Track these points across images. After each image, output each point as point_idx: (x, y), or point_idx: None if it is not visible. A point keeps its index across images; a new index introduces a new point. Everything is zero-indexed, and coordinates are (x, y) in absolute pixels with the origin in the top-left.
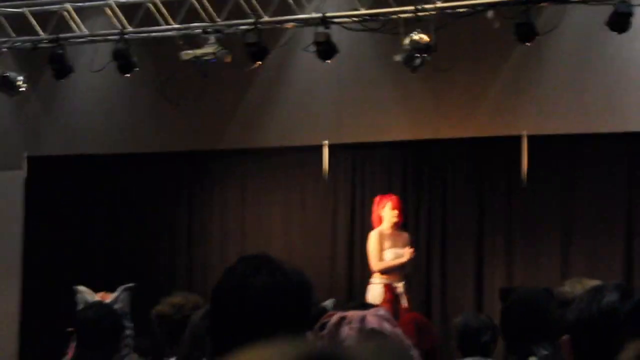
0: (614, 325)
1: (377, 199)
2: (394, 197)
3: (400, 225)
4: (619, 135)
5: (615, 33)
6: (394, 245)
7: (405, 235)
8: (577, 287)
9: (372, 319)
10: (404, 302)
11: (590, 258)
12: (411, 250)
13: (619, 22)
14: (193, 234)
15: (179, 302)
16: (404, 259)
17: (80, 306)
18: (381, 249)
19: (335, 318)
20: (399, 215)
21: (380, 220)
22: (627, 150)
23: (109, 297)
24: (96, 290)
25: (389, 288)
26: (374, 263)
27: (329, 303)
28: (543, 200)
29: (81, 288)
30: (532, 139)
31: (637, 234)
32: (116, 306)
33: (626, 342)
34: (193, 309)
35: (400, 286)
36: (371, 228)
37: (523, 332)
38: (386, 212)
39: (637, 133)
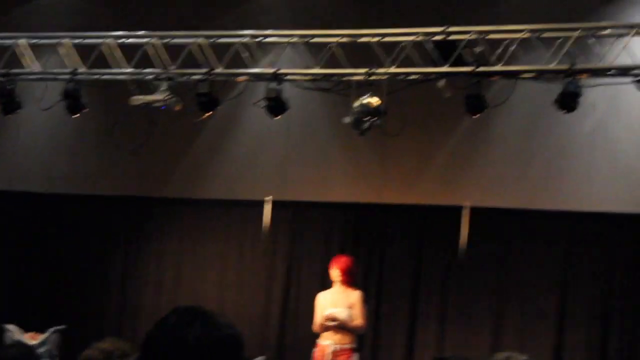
0: None
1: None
2: (339, 258)
3: (351, 285)
4: (558, 213)
5: (562, 112)
6: (335, 305)
7: (353, 294)
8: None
9: None
10: None
11: (522, 334)
12: (328, 314)
13: (567, 102)
14: (127, 279)
15: (107, 347)
16: (321, 320)
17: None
18: (323, 309)
19: None
20: (341, 275)
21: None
22: (564, 229)
23: (38, 338)
24: (28, 329)
25: (320, 347)
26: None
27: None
28: (479, 273)
29: (11, 327)
30: (473, 210)
31: (569, 311)
32: (45, 347)
33: None
34: (122, 356)
35: (335, 346)
36: (307, 286)
37: None
38: (331, 272)
39: (575, 213)
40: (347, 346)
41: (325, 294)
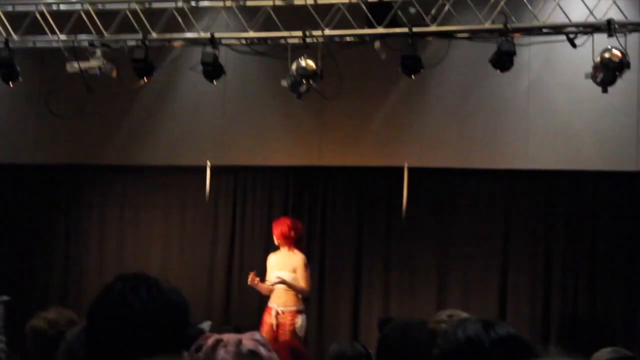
0: (480, 355)
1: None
2: (277, 221)
3: (294, 246)
4: (497, 172)
5: (498, 71)
6: (280, 268)
7: (296, 258)
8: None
9: (248, 343)
10: (284, 329)
11: (466, 291)
12: (276, 278)
13: (502, 61)
14: (70, 248)
15: (53, 317)
16: (268, 284)
17: None
18: (269, 271)
19: (211, 340)
20: (279, 239)
21: None
22: (503, 187)
23: None
24: None
25: (268, 310)
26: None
27: (205, 325)
28: (421, 233)
29: None
30: (412, 170)
31: (510, 271)
32: None
33: None
34: (68, 325)
35: (279, 308)
36: (250, 250)
37: None
38: (274, 236)
39: (514, 170)
40: (292, 308)
41: (273, 256)
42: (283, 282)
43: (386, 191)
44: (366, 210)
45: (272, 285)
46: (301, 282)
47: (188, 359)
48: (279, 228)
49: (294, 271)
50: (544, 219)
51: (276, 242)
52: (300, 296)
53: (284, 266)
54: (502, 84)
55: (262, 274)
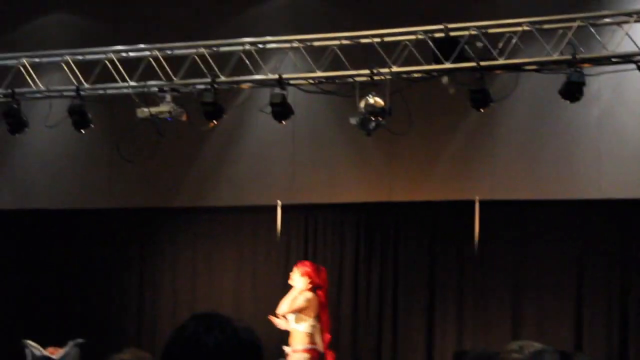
0: None
1: None
2: (300, 263)
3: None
4: (570, 202)
5: (567, 102)
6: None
7: (299, 299)
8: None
9: None
10: None
11: (541, 323)
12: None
13: (572, 91)
14: (144, 291)
15: (128, 358)
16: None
17: (29, 359)
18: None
19: None
20: (294, 281)
21: None
22: (577, 218)
23: (58, 352)
24: (45, 345)
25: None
26: None
27: None
28: (494, 266)
29: (30, 342)
30: (484, 204)
31: (586, 302)
32: None
33: None
34: None
35: (287, 348)
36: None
37: None
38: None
39: (587, 201)
40: (299, 347)
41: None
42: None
43: (458, 225)
44: (438, 244)
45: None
46: (305, 319)
47: None
48: (298, 270)
49: (298, 311)
50: (619, 248)
51: (300, 287)
52: (310, 333)
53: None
54: (572, 114)
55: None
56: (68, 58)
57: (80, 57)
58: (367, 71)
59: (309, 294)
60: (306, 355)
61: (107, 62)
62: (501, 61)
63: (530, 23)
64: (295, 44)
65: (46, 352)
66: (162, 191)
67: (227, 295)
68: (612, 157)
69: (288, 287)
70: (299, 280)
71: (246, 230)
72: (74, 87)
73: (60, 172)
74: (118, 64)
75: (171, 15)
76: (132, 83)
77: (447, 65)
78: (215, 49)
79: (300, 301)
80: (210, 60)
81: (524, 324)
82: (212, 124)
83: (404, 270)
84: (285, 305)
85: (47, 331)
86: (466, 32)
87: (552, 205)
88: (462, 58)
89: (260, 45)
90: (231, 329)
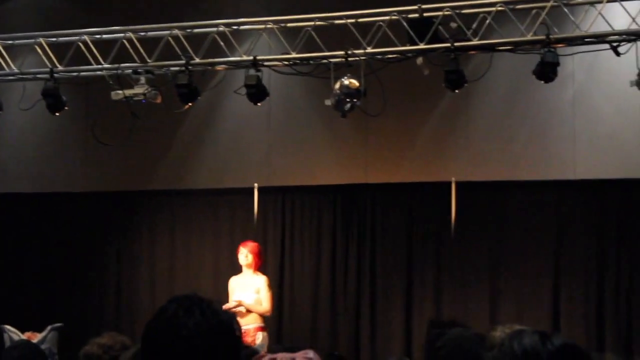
0: None
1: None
2: (247, 243)
3: (258, 269)
4: (545, 183)
5: (542, 82)
6: (243, 289)
7: (259, 279)
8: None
9: None
10: None
11: (518, 303)
12: (235, 301)
13: (546, 72)
14: (121, 273)
15: (107, 342)
16: (229, 305)
17: (7, 344)
18: (232, 293)
19: None
20: (249, 259)
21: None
22: (552, 199)
23: (36, 337)
24: (23, 329)
25: None
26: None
27: (258, 345)
28: (471, 247)
29: (8, 327)
30: (460, 185)
31: (562, 279)
32: (44, 346)
33: None
34: (121, 349)
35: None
36: (300, 271)
37: None
38: (239, 257)
39: (562, 181)
40: (252, 326)
41: (235, 278)
42: (240, 305)
43: (434, 207)
44: (415, 226)
45: (232, 308)
46: (264, 302)
47: None
48: (252, 248)
49: (257, 292)
50: (595, 228)
51: (243, 261)
52: (263, 315)
53: (247, 287)
54: (546, 94)
55: (304, 295)
56: (42, 40)
57: (53, 39)
58: (341, 52)
59: (267, 279)
60: (264, 334)
61: (80, 44)
62: (475, 42)
63: (504, 3)
64: (269, 25)
65: (24, 337)
66: (138, 174)
67: (205, 277)
68: (586, 138)
69: (265, 268)
70: (248, 259)
71: (223, 213)
72: (47, 70)
73: (35, 155)
74: (92, 45)
75: None
76: (106, 65)
77: (422, 46)
78: (189, 30)
79: (268, 292)
80: (185, 42)
81: (501, 304)
82: (187, 106)
83: (381, 252)
84: (266, 304)
85: (25, 316)
86: (440, 13)
87: (528, 185)
88: (436, 39)
89: (235, 27)
90: (211, 311)
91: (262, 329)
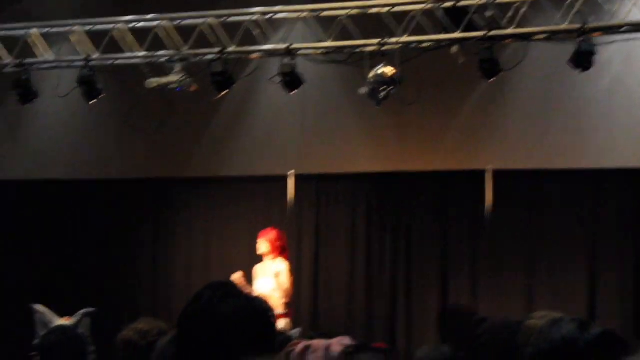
0: (575, 355)
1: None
2: (265, 231)
3: (279, 256)
4: (581, 171)
5: (578, 71)
6: (263, 276)
7: (277, 266)
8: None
9: (336, 348)
10: None
11: (554, 292)
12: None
13: (582, 60)
14: (158, 260)
15: (143, 327)
16: (263, 290)
17: (39, 326)
18: (254, 280)
19: (300, 347)
20: (268, 248)
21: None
22: (589, 186)
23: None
24: (59, 315)
25: None
26: None
27: (294, 332)
28: (507, 235)
29: (38, 307)
30: (496, 173)
31: (599, 268)
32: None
33: None
34: (158, 335)
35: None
36: (335, 259)
37: None
38: (258, 246)
39: (599, 170)
40: (277, 312)
41: (258, 266)
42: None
43: (469, 195)
44: (450, 214)
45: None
46: (281, 287)
47: None
48: (270, 236)
49: (276, 276)
50: (631, 216)
51: (263, 250)
52: (283, 301)
53: (266, 273)
54: (582, 83)
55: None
56: (77, 28)
57: (89, 27)
58: (376, 41)
59: (287, 264)
60: (287, 320)
61: (116, 32)
62: (510, 30)
63: None
64: (304, 14)
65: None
66: (173, 161)
67: (240, 264)
68: (623, 126)
69: (299, 257)
70: (263, 248)
71: (258, 200)
72: (83, 57)
73: (72, 142)
74: (127, 33)
75: None
76: (142, 53)
77: (457, 34)
78: (224, 18)
79: (287, 278)
80: (220, 30)
81: (537, 293)
82: (221, 95)
83: (416, 241)
84: (286, 286)
85: (61, 302)
86: (475, 2)
87: (564, 174)
88: (471, 27)
89: (269, 15)
90: (245, 297)
91: (283, 315)
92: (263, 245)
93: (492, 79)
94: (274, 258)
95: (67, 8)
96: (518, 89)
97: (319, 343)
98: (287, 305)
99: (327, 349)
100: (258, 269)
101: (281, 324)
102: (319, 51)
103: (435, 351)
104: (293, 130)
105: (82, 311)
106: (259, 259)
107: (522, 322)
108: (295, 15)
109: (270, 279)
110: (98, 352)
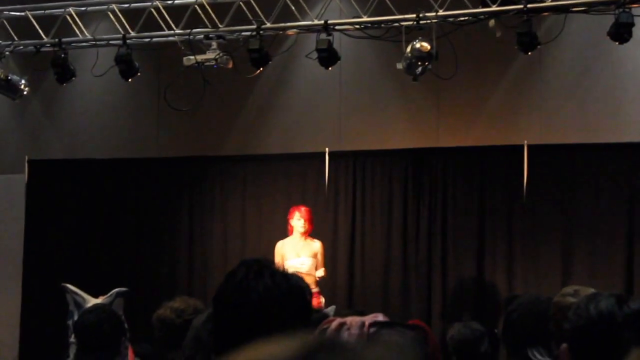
0: (613, 330)
1: (290, 209)
2: (302, 208)
3: (310, 234)
4: (620, 145)
5: (616, 43)
6: (298, 255)
7: (315, 244)
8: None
9: (370, 325)
10: None
11: (591, 267)
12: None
13: (621, 33)
14: (194, 239)
15: (179, 306)
16: (302, 270)
17: (72, 305)
18: (283, 259)
19: (335, 324)
20: (305, 225)
21: (292, 230)
22: (627, 161)
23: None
24: (96, 294)
25: None
26: None
27: (330, 309)
28: (544, 210)
29: (70, 287)
30: (532, 148)
31: (637, 243)
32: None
33: (627, 347)
34: (194, 313)
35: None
36: (371, 236)
37: (524, 340)
38: (294, 222)
39: (636, 144)
40: (315, 290)
41: (285, 243)
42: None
43: (506, 170)
44: (487, 190)
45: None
46: (321, 266)
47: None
48: (308, 214)
49: (314, 256)
50: None
51: (300, 228)
52: (319, 277)
53: (301, 253)
54: (621, 56)
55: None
56: (114, 6)
57: (126, 5)
58: (413, 15)
59: (321, 244)
60: (322, 299)
61: (152, 9)
62: (548, 3)
63: None
64: None
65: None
66: (210, 139)
67: (276, 241)
68: None
69: (335, 234)
70: (305, 226)
71: (294, 178)
72: (120, 36)
73: (108, 121)
74: (164, 11)
75: None
76: (178, 31)
77: (494, 8)
78: None
79: (324, 254)
80: (256, 7)
81: (574, 269)
82: (258, 71)
83: (452, 216)
84: (323, 269)
85: (96, 281)
86: None
87: (601, 148)
88: (508, 0)
89: None
90: (280, 275)
91: (318, 294)
92: (305, 225)
93: (529, 52)
94: (305, 237)
95: None
96: (556, 63)
97: (352, 319)
98: (322, 283)
99: (362, 326)
100: (288, 247)
101: (323, 300)
102: (356, 26)
103: (466, 328)
104: (330, 107)
105: (115, 290)
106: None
107: (551, 298)
108: None
109: (307, 258)
110: (133, 331)
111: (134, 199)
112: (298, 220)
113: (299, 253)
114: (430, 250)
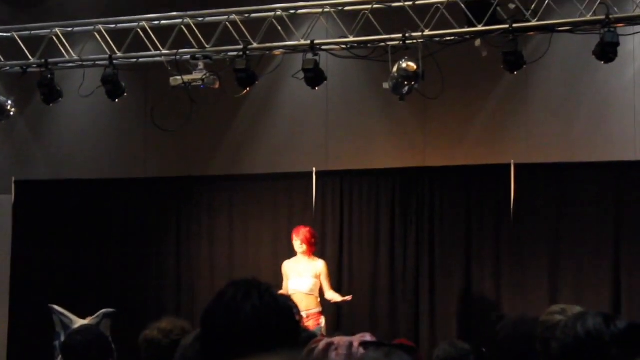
0: (600, 349)
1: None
2: (300, 229)
3: (313, 254)
4: (606, 164)
5: (602, 62)
6: (301, 275)
7: (318, 264)
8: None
9: (358, 344)
10: None
11: (578, 284)
12: (345, 298)
13: (606, 52)
14: (181, 259)
15: (167, 327)
16: (302, 290)
17: (58, 326)
18: (287, 279)
19: (323, 343)
20: (304, 246)
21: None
22: (613, 179)
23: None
24: (84, 315)
25: None
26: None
27: (317, 329)
28: (531, 229)
29: (57, 308)
30: (519, 167)
31: (624, 260)
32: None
33: None
34: (181, 333)
35: (303, 312)
36: (359, 255)
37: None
38: (294, 243)
39: (623, 162)
40: (315, 310)
41: (290, 264)
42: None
43: (493, 189)
44: (474, 209)
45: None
46: (326, 286)
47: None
48: (307, 235)
49: (317, 277)
50: None
51: (299, 249)
52: (319, 299)
53: (304, 273)
54: (607, 75)
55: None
56: (100, 27)
57: (112, 26)
58: (399, 35)
59: (325, 264)
60: (323, 318)
61: (139, 30)
62: (534, 23)
63: None
64: (326, 9)
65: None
66: (197, 159)
67: (264, 262)
68: None
69: (323, 253)
70: (303, 247)
71: (282, 198)
72: (106, 56)
73: (95, 141)
74: (150, 31)
75: None
76: (165, 51)
77: (480, 27)
78: (247, 15)
79: (329, 273)
80: (242, 27)
81: (561, 288)
82: (245, 91)
83: (440, 235)
84: (329, 286)
85: (83, 302)
86: None
87: (588, 167)
88: (494, 20)
89: (292, 11)
90: (269, 296)
91: (319, 314)
92: (302, 246)
93: (515, 72)
94: (308, 257)
95: (89, 7)
96: (542, 82)
97: (341, 340)
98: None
99: (350, 346)
100: (290, 267)
101: (323, 322)
102: (342, 46)
103: (451, 347)
104: (316, 127)
105: (102, 311)
106: (283, 256)
107: (538, 318)
108: (317, 10)
109: (309, 279)
110: (120, 352)
111: (121, 219)
112: (296, 242)
113: (301, 273)
114: (418, 269)
